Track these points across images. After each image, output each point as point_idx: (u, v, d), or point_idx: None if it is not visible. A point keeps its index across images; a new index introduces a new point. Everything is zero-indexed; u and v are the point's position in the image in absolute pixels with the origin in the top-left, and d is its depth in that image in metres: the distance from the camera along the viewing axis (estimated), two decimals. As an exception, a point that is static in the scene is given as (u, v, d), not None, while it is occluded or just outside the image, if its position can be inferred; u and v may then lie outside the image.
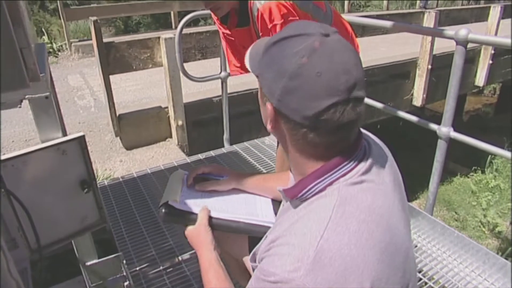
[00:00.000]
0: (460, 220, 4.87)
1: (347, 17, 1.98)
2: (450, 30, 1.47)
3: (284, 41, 0.59)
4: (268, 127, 0.64)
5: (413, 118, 1.72)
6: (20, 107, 1.11)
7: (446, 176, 5.59)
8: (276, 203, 1.00)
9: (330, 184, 0.60)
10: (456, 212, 5.00)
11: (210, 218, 0.90)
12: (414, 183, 4.23)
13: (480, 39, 1.43)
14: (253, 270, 0.70)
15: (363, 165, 0.61)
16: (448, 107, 1.54)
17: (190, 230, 0.90)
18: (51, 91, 1.23)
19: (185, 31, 2.21)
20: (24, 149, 1.12)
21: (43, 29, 8.12)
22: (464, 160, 5.52)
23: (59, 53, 6.53)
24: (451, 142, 1.55)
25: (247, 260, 0.98)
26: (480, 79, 5.82)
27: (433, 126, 1.61)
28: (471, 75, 5.83)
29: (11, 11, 0.59)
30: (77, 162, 1.24)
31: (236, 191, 1.03)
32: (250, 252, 0.95)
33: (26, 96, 1.10)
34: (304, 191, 0.62)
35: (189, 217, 0.90)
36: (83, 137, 1.20)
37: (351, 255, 0.53)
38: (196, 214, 0.90)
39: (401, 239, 0.60)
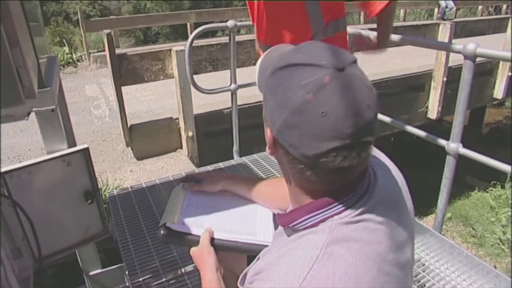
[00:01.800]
0: (477, 236, 4.72)
1: (354, 30, 1.97)
2: (458, 45, 1.45)
3: (294, 68, 0.53)
4: (268, 151, 0.61)
5: (422, 133, 1.69)
6: (27, 119, 1.15)
7: (463, 191, 5.45)
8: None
9: (323, 220, 0.56)
10: (473, 228, 4.85)
11: (212, 239, 0.90)
12: (427, 197, 4.13)
13: (489, 53, 1.40)
14: None
15: (363, 203, 0.57)
16: (457, 123, 1.50)
17: (193, 250, 0.88)
18: (58, 104, 1.26)
19: (196, 43, 2.25)
20: (30, 160, 1.16)
21: (64, 40, 8.39)
22: (482, 174, 5.37)
23: (79, 63, 6.73)
24: (465, 157, 1.51)
25: None
26: (498, 91, 5.69)
27: (442, 141, 1.57)
28: (489, 87, 5.71)
29: (8, 32, 0.61)
30: (81, 173, 1.26)
31: (235, 203, 1.03)
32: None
33: (33, 109, 1.13)
34: (295, 222, 0.59)
35: (187, 238, 0.90)
36: (87, 149, 1.23)
37: None
38: (194, 235, 0.90)
39: (392, 286, 0.56)
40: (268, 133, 0.58)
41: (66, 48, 7.37)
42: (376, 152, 0.70)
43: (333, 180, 0.56)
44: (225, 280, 1.12)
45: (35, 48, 1.03)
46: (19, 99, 0.66)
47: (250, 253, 0.92)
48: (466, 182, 5.46)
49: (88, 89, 5.13)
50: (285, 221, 0.62)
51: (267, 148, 0.61)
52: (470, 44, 1.36)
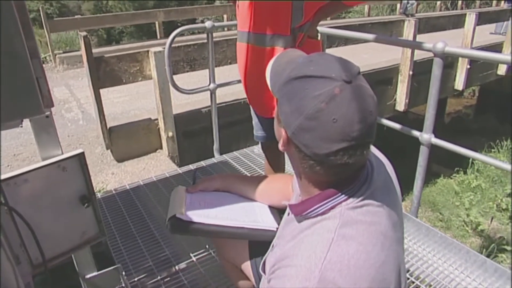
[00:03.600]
0: (444, 220, 5.01)
1: (329, 30, 2.07)
2: (428, 43, 1.57)
3: (308, 79, 0.61)
4: (280, 147, 0.68)
5: (396, 126, 1.81)
6: (21, 126, 1.15)
7: (430, 178, 5.74)
8: (272, 209, 1.08)
9: (333, 207, 0.65)
10: (440, 213, 5.15)
11: (216, 226, 0.97)
12: (401, 187, 4.35)
13: (457, 52, 1.53)
14: (259, 280, 0.75)
15: (364, 190, 0.66)
16: (429, 115, 1.63)
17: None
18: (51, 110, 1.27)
19: (173, 44, 2.26)
20: (26, 167, 1.16)
21: (26, 41, 8.02)
22: (447, 162, 5.68)
23: (44, 65, 6.48)
24: (434, 146, 1.65)
25: (246, 267, 1.04)
26: (459, 83, 6.03)
27: (415, 133, 1.70)
28: (451, 79, 6.04)
29: (29, 45, 0.65)
30: (77, 178, 1.27)
31: (233, 199, 1.11)
32: (250, 258, 1.02)
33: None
34: (308, 211, 0.67)
35: (197, 227, 0.97)
36: (82, 153, 1.24)
37: (350, 274, 0.59)
38: (204, 224, 0.97)
39: (393, 258, 0.65)
40: (282, 132, 0.66)
41: (29, 50, 7.06)
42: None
43: (339, 173, 0.65)
44: (227, 272, 1.18)
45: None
46: (39, 108, 0.69)
47: (256, 238, 1.00)
48: (433, 170, 5.76)
49: (57, 92, 4.98)
50: (298, 210, 0.69)
51: (280, 145, 0.69)
52: (440, 43, 1.48)
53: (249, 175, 2.38)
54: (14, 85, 0.62)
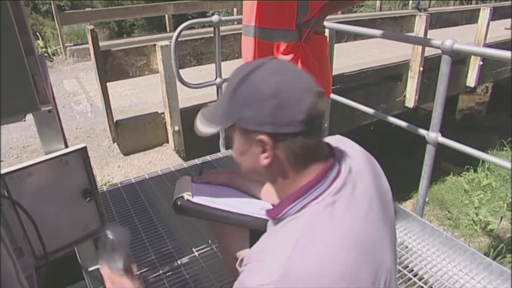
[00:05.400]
0: (453, 218, 4.95)
1: (336, 25, 2.04)
2: (436, 40, 1.53)
3: (247, 77, 0.65)
4: (265, 161, 0.66)
5: (403, 124, 1.78)
6: (24, 120, 1.16)
7: (439, 176, 5.68)
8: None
9: (304, 206, 0.65)
10: (449, 211, 5.08)
11: (222, 210, 0.99)
12: (407, 183, 4.30)
13: (465, 49, 1.49)
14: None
15: (336, 185, 0.66)
16: (436, 114, 1.60)
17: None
18: (53, 103, 1.27)
19: (180, 37, 2.26)
20: (28, 161, 1.17)
21: (37, 33, 8.11)
22: (457, 160, 5.60)
23: (54, 57, 6.54)
24: (442, 144, 1.62)
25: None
26: (471, 80, 5.92)
27: (422, 131, 1.67)
28: (463, 76, 5.92)
29: (24, 42, 0.64)
30: (79, 172, 1.28)
31: (237, 194, 1.12)
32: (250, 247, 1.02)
33: (30, 110, 1.15)
34: (281, 213, 0.68)
35: (204, 210, 0.99)
36: (85, 148, 1.25)
37: (313, 274, 0.58)
38: (211, 207, 0.99)
39: (366, 263, 0.63)
40: (263, 140, 0.64)
41: (41, 42, 7.13)
42: (346, 141, 0.80)
43: (317, 147, 0.67)
44: (228, 264, 1.18)
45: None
46: (36, 105, 0.69)
47: (260, 228, 1.00)
48: (442, 168, 5.69)
49: (67, 84, 5.02)
50: (272, 214, 0.70)
51: (262, 162, 0.67)
52: (448, 40, 1.45)
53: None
54: (9, 82, 0.62)
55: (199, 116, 0.74)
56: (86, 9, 7.17)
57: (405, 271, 1.55)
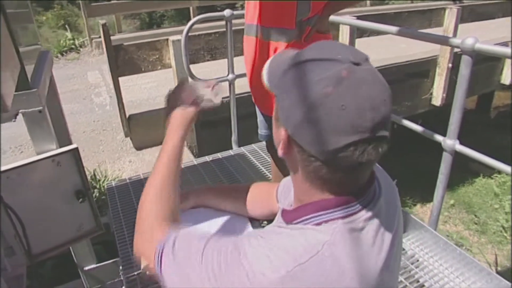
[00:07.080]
0: (480, 223, 4.71)
1: (345, 19, 1.92)
2: (456, 39, 1.40)
3: (309, 64, 0.53)
4: (280, 151, 0.60)
5: (418, 128, 1.66)
6: (14, 121, 1.15)
7: (466, 177, 5.41)
8: (255, 222, 1.01)
9: (327, 221, 0.56)
10: (476, 215, 4.84)
11: None
12: (429, 184, 4.12)
13: (489, 50, 1.35)
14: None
15: (368, 211, 0.57)
16: (454, 119, 1.47)
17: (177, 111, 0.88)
18: (48, 102, 1.26)
19: (194, 32, 2.21)
20: (20, 161, 1.16)
21: (66, 26, 8.32)
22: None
23: (81, 49, 6.69)
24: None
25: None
26: (506, 77, 5.56)
27: (438, 137, 1.54)
28: (497, 72, 5.58)
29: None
30: (71, 173, 1.26)
31: (212, 214, 1.04)
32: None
33: (20, 111, 1.13)
34: (299, 220, 0.59)
35: None
36: (76, 149, 1.23)
37: (314, 283, 0.52)
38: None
39: None
40: (281, 133, 0.57)
41: (69, 34, 7.31)
42: (380, 169, 0.70)
43: (346, 181, 0.56)
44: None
45: (18, 51, 1.01)
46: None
47: None
48: (470, 168, 5.40)
49: (91, 76, 5.12)
50: (289, 218, 0.61)
51: (279, 150, 0.60)
52: (469, 39, 1.31)
53: (264, 169, 2.31)
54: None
55: (272, 59, 0.65)
56: (112, 2, 7.27)
57: (413, 287, 1.45)
